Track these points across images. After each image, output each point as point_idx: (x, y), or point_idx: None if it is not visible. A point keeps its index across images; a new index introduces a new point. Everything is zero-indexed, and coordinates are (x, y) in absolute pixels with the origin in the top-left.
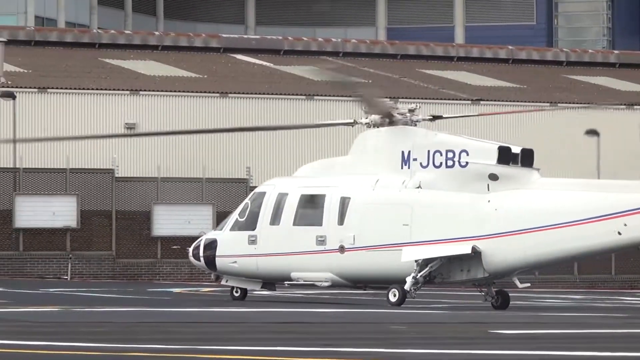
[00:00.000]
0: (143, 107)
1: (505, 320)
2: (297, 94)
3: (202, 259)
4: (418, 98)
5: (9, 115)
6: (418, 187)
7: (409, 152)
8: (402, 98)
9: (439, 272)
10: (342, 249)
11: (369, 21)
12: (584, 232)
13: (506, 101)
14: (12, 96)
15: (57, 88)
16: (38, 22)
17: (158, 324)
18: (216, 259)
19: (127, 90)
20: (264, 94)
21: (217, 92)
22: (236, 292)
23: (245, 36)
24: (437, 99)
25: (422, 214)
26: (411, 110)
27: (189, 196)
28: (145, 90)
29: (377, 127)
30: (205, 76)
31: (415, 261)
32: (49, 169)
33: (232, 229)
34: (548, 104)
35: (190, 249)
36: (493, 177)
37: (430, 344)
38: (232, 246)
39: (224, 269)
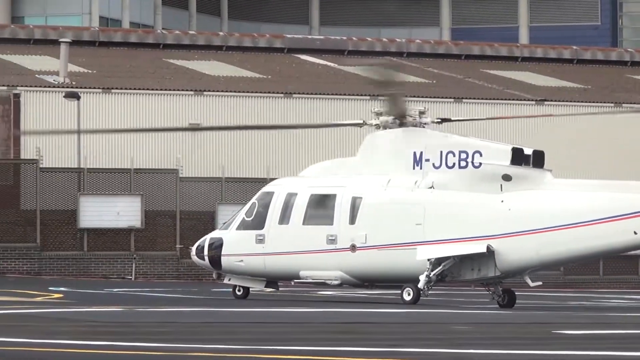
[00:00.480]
0: (207, 108)
1: (568, 320)
2: (361, 94)
3: (206, 258)
4: (482, 98)
5: (74, 116)
6: (431, 187)
7: (421, 152)
8: (466, 99)
9: (450, 271)
10: (353, 248)
11: (434, 21)
12: (599, 232)
13: (570, 102)
14: (76, 97)
15: (121, 88)
16: (102, 23)
17: (222, 324)
18: (222, 258)
19: (191, 90)
20: (328, 94)
21: (282, 93)
22: (239, 290)
23: (310, 36)
24: (500, 99)
25: (435, 213)
26: (421, 113)
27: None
28: (209, 91)
29: (386, 129)
30: (269, 76)
31: (428, 260)
32: (114, 169)
33: (239, 228)
34: (612, 105)
35: (194, 249)
36: (506, 177)
37: (495, 344)
38: (238, 245)
39: (230, 267)
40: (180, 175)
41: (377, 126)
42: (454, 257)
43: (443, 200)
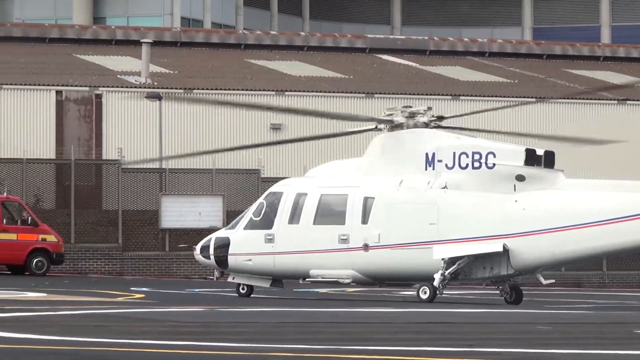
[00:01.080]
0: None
1: None
2: (443, 94)
3: (212, 257)
4: (564, 98)
5: (155, 116)
6: (444, 188)
7: (434, 154)
8: (548, 98)
9: (463, 270)
10: (366, 247)
11: (515, 21)
12: (612, 231)
13: None
14: (158, 97)
15: (202, 89)
16: (184, 23)
17: (303, 324)
18: (229, 257)
19: (272, 91)
20: (410, 94)
21: (363, 93)
22: (242, 289)
23: (391, 36)
24: (582, 99)
25: (449, 213)
26: (418, 113)
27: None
28: (290, 91)
29: (391, 130)
30: (351, 76)
31: (442, 259)
32: (195, 169)
33: (247, 228)
34: None
35: (198, 248)
36: (520, 178)
37: (577, 344)
38: (247, 245)
39: (237, 267)
40: (262, 176)
41: (390, 128)
42: (469, 256)
43: (457, 200)
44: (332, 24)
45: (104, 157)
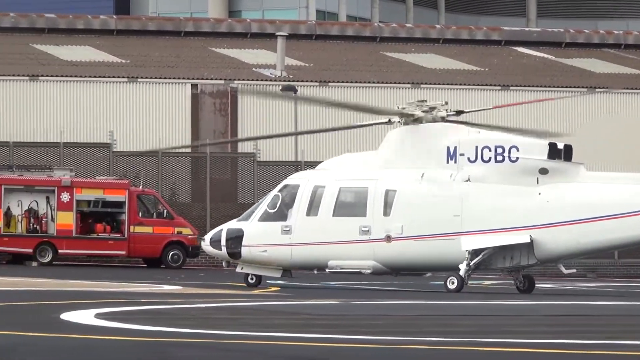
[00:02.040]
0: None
1: None
2: (578, 87)
3: (223, 248)
4: None
5: (291, 109)
6: (467, 180)
7: (455, 147)
8: None
9: (483, 260)
10: (388, 239)
11: None
12: (634, 223)
13: None
14: (293, 90)
15: (338, 81)
16: (319, 16)
17: (437, 316)
18: (242, 248)
19: (408, 83)
20: (545, 86)
21: (499, 85)
22: (251, 279)
23: (527, 29)
24: None
25: (473, 205)
26: (434, 107)
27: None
28: (425, 84)
29: (407, 125)
30: (487, 69)
31: (467, 250)
32: None
33: (261, 220)
34: None
35: (208, 239)
36: (543, 171)
37: None
38: (262, 236)
39: (251, 258)
40: None
41: (405, 122)
42: (494, 247)
43: (481, 192)
44: (467, 17)
45: (239, 150)
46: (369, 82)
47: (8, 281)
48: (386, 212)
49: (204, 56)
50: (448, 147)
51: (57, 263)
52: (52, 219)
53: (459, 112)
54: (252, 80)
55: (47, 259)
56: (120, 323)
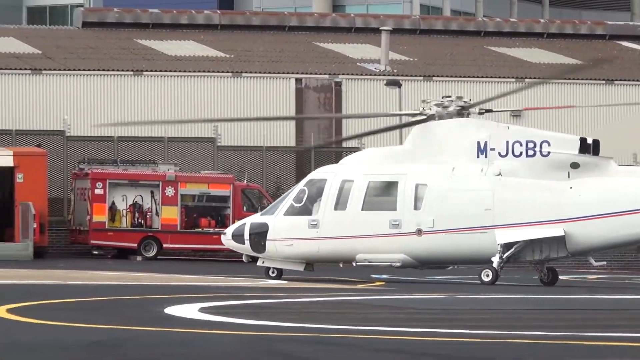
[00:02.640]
0: (530, 95)
1: None
2: None
3: (246, 242)
4: None
5: (395, 104)
6: (498, 175)
7: (486, 142)
8: None
9: (513, 253)
10: (419, 232)
11: None
12: None
13: None
14: (397, 84)
15: (442, 76)
16: (423, 11)
17: (543, 310)
18: (267, 242)
19: (512, 77)
20: None
21: (603, 80)
22: (272, 272)
23: (631, 23)
24: None
25: (505, 198)
26: (464, 106)
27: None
28: (530, 78)
29: (440, 119)
30: (591, 63)
31: (499, 243)
32: None
33: (287, 214)
34: None
35: (230, 232)
36: (575, 165)
37: None
38: (288, 230)
39: (275, 252)
40: None
41: (432, 117)
42: (526, 240)
43: (512, 186)
44: (571, 11)
45: (343, 145)
46: (473, 77)
47: (113, 275)
48: (417, 206)
49: (308, 51)
50: (478, 142)
51: (162, 257)
52: (157, 214)
53: (488, 111)
54: (356, 74)
55: (152, 254)
56: (224, 317)
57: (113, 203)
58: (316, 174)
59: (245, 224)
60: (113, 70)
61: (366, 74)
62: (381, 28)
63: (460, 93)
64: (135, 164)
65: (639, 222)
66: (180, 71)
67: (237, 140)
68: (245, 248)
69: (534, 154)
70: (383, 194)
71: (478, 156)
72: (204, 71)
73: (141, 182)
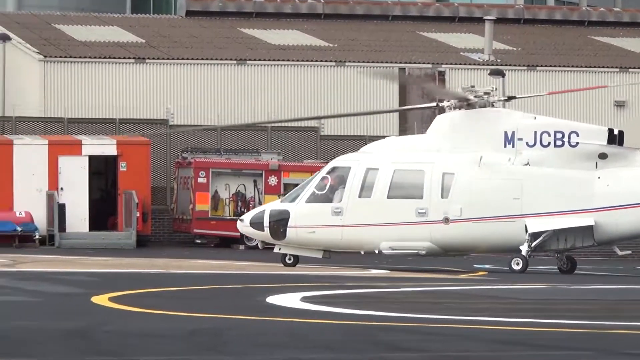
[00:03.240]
0: (633, 85)
1: None
2: None
3: (266, 229)
4: None
5: (499, 94)
6: (526, 164)
7: (513, 132)
8: None
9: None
10: (446, 221)
11: None
12: None
13: None
14: (501, 74)
15: (545, 66)
16: (527, 0)
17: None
18: (288, 229)
19: (616, 67)
20: None
21: None
22: (289, 259)
23: None
24: None
25: (533, 188)
26: (486, 93)
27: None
28: (633, 68)
29: (457, 109)
30: None
31: (528, 232)
32: None
33: (309, 201)
34: None
35: (247, 219)
36: (603, 156)
37: None
38: (310, 217)
39: (297, 238)
40: None
41: (449, 107)
42: (555, 229)
43: (541, 176)
44: None
45: None
46: (577, 67)
47: (216, 264)
48: (444, 195)
49: (412, 40)
50: (505, 132)
51: (265, 247)
52: (260, 203)
53: (510, 98)
54: (460, 64)
55: (254, 243)
56: (325, 307)
57: (216, 192)
58: (339, 162)
59: (264, 210)
60: (216, 59)
61: (470, 64)
62: (485, 17)
63: (563, 82)
64: (238, 153)
65: None
66: (283, 60)
67: (340, 130)
68: (265, 235)
69: (562, 144)
70: (409, 182)
71: (505, 146)
72: (307, 60)
73: (244, 171)
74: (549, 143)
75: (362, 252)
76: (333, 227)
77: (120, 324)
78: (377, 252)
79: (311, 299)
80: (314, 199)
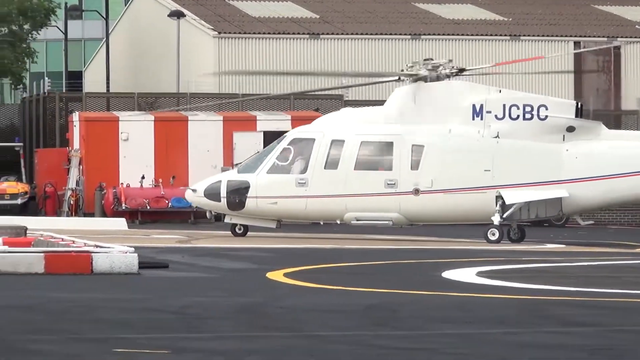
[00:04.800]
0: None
1: None
2: None
3: (223, 199)
4: None
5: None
6: (496, 137)
7: (481, 105)
8: None
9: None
10: (416, 192)
11: None
12: None
13: None
14: None
15: None
16: None
17: None
18: (248, 199)
19: None
20: None
21: None
22: (239, 229)
23: None
24: None
25: (504, 160)
26: (435, 66)
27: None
28: None
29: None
30: None
31: (500, 203)
32: None
33: (271, 172)
34: None
35: (200, 190)
36: (570, 129)
37: None
38: (273, 188)
39: (257, 209)
40: None
41: (413, 80)
42: (527, 201)
43: (511, 148)
44: None
45: (622, 109)
46: None
47: (389, 240)
48: (414, 166)
49: (587, 13)
50: (474, 105)
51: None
52: None
53: (462, 70)
54: (635, 37)
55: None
56: (500, 281)
57: None
58: (300, 134)
59: (220, 181)
60: (391, 34)
61: None
62: None
63: None
64: None
65: (631, 185)
66: (458, 35)
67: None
68: (221, 206)
69: (532, 117)
70: (377, 154)
71: (474, 118)
72: (482, 35)
73: None
74: (518, 116)
75: (322, 223)
76: (297, 197)
77: (295, 300)
78: (339, 222)
79: (486, 273)
80: (275, 169)
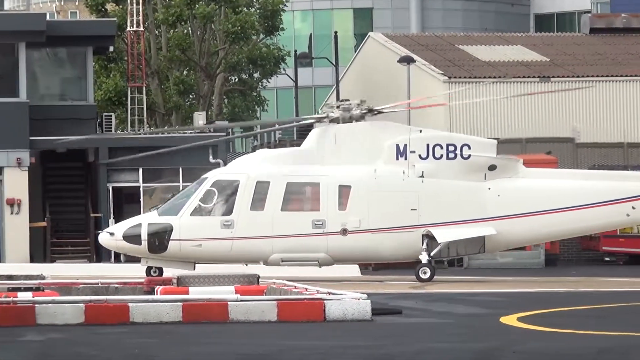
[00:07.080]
0: None
1: None
2: None
3: (143, 242)
4: None
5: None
6: (421, 176)
7: (405, 145)
8: None
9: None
10: (344, 232)
11: None
12: (593, 215)
13: None
14: None
15: None
16: None
17: None
18: (171, 242)
19: None
20: None
21: None
22: (154, 272)
23: None
24: None
25: (430, 199)
26: (346, 109)
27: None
28: None
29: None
30: None
31: (426, 242)
32: None
33: (195, 214)
34: None
35: (119, 233)
36: (492, 167)
37: None
38: (197, 230)
39: (179, 252)
40: None
41: (337, 119)
42: (458, 239)
43: (436, 188)
44: None
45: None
46: None
47: (626, 282)
48: (341, 206)
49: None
50: (397, 145)
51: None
52: None
53: (371, 110)
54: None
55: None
56: None
57: None
58: (222, 175)
59: (140, 224)
60: (621, 76)
61: None
62: None
63: None
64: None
65: (552, 222)
66: None
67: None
68: (141, 249)
69: (455, 157)
70: (304, 194)
71: (397, 158)
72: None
73: None
74: (442, 155)
75: (246, 265)
76: (222, 239)
77: (528, 344)
78: (262, 263)
79: None
80: (199, 212)
